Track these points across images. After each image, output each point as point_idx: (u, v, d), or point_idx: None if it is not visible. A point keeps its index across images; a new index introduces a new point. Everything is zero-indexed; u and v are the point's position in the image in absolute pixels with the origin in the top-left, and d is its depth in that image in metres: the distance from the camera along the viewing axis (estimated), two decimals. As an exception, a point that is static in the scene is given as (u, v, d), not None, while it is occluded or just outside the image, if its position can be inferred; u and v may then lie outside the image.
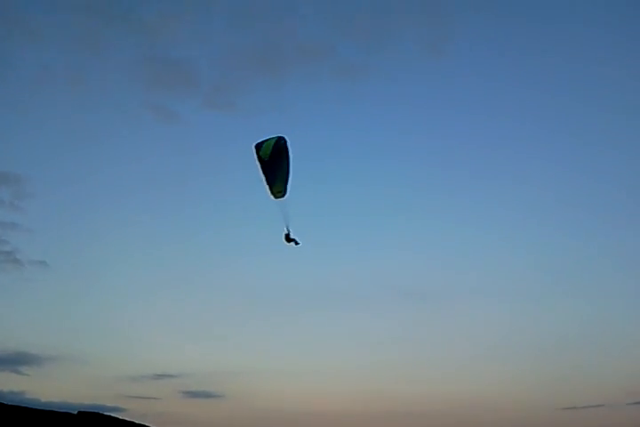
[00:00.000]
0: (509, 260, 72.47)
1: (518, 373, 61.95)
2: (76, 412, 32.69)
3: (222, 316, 68.06)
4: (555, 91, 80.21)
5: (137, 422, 44.26)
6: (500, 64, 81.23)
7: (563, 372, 59.68)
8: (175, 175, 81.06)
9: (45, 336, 60.49)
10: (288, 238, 19.77)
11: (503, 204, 78.92)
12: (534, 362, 62.93)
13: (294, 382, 64.23)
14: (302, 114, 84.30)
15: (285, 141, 19.18)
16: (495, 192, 78.91)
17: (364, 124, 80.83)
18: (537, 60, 79.89)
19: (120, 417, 36.42)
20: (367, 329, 69.55)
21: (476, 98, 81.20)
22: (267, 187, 19.20)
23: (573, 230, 74.50)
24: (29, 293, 61.76)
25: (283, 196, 19.27)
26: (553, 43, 79.02)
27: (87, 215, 69.99)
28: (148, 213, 77.93)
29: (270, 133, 20.15)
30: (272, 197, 19.29)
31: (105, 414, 34.71)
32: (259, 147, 18.85)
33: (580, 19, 75.38)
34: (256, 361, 65.00)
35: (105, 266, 65.52)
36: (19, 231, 57.36)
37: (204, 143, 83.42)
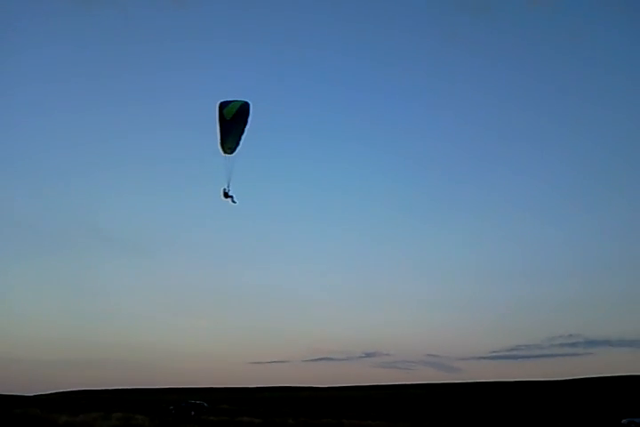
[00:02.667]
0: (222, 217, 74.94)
1: (215, 328, 67.38)
2: None
3: None
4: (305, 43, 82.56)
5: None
6: (240, 17, 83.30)
7: (252, 330, 65.99)
8: None
9: None
10: (226, 195, 20.55)
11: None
12: (229, 318, 68.24)
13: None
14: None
15: (249, 106, 20.46)
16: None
17: (83, 56, 79.60)
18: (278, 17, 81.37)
19: None
20: (73, 277, 70.86)
21: (219, 47, 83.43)
22: (219, 142, 20.40)
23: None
24: None
25: (232, 153, 20.48)
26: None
27: None
28: None
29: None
30: (222, 152, 20.46)
31: None
32: (224, 106, 19.96)
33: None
34: None
35: None
36: None
37: None
